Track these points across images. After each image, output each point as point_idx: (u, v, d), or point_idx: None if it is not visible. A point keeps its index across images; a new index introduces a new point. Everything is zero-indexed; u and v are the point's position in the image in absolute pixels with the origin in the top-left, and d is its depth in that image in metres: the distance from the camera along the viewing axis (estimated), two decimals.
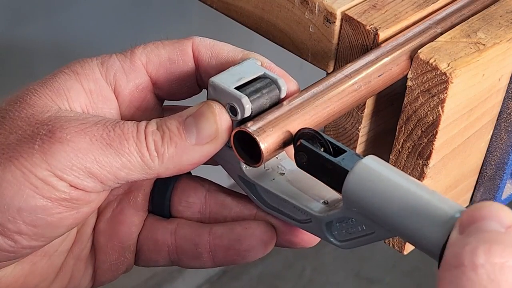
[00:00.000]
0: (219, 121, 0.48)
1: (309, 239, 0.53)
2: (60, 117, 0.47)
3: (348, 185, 0.44)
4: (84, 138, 0.46)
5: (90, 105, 0.50)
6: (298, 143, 0.47)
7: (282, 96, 0.50)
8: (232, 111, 0.48)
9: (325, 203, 0.49)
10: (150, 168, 0.48)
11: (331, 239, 0.49)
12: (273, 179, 0.51)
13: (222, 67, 0.51)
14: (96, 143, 0.46)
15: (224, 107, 0.48)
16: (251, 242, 0.54)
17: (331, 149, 0.47)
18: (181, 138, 0.48)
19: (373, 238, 0.46)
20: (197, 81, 0.53)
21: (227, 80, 0.48)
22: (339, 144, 0.47)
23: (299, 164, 0.48)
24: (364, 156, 0.45)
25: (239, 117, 0.48)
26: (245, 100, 0.47)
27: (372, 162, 0.44)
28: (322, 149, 0.47)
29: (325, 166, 0.46)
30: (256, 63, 0.50)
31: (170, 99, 0.54)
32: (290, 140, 0.48)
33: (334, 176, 0.46)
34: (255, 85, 0.49)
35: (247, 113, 0.48)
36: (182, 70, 0.52)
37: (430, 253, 0.42)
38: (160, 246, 0.56)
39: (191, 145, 0.48)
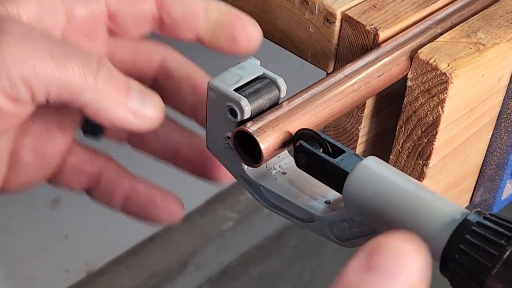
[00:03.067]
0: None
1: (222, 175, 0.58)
2: (7, 20, 0.47)
3: (348, 187, 0.44)
4: (28, 44, 0.46)
5: (37, 17, 0.49)
6: (297, 144, 0.47)
7: (282, 96, 0.50)
8: (232, 113, 0.48)
9: (327, 202, 0.49)
10: (85, 91, 0.48)
11: (334, 239, 0.49)
12: (275, 179, 0.51)
13: (186, 12, 0.51)
14: (39, 51, 0.46)
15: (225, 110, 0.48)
16: (160, 213, 0.58)
17: (330, 150, 0.47)
18: (121, 85, 0.48)
19: None
20: (157, 24, 0.53)
21: (226, 82, 0.48)
22: (338, 144, 0.47)
23: (298, 165, 0.48)
24: (364, 156, 0.45)
25: (238, 119, 0.48)
26: (244, 102, 0.48)
27: (372, 163, 0.44)
28: (321, 150, 0.47)
29: (325, 167, 0.46)
30: (255, 63, 0.50)
31: (122, 35, 0.53)
32: (290, 140, 0.48)
33: (334, 177, 0.46)
34: (255, 85, 0.49)
35: (247, 115, 0.48)
36: (141, 8, 0.52)
37: (431, 255, 0.42)
38: (82, 174, 0.58)
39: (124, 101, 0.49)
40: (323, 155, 0.46)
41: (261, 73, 0.50)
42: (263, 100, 0.49)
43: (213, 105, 0.50)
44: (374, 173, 0.44)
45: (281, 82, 0.49)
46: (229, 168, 0.52)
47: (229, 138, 0.49)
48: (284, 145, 0.48)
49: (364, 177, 0.44)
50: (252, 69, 0.50)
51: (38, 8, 0.49)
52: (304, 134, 0.47)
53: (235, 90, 0.48)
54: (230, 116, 0.48)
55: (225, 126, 0.49)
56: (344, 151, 0.46)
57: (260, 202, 0.52)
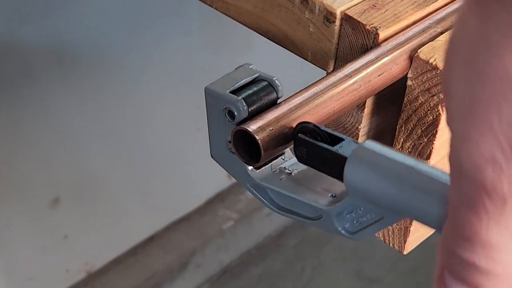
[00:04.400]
0: None
1: None
2: None
3: (348, 171, 0.44)
4: None
5: None
6: (296, 137, 0.47)
7: (279, 95, 0.50)
8: (230, 115, 0.48)
9: (332, 196, 0.49)
10: None
11: (343, 232, 0.49)
12: (281, 179, 0.51)
13: None
14: None
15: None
16: None
17: (329, 139, 0.47)
18: None
19: (383, 224, 0.46)
20: None
21: (222, 86, 0.49)
22: (336, 133, 0.46)
23: (299, 159, 0.48)
24: None
25: (236, 119, 0.48)
26: (241, 102, 0.48)
27: (370, 145, 0.44)
28: (319, 140, 0.47)
29: (324, 156, 0.46)
30: (250, 67, 0.51)
31: None
32: (290, 137, 0.48)
33: (334, 165, 0.46)
34: (251, 88, 0.49)
35: (244, 115, 0.48)
36: None
37: (439, 229, 0.41)
38: None
39: None
40: (322, 144, 0.46)
41: (257, 75, 0.50)
42: (260, 101, 0.49)
43: (212, 111, 0.50)
44: (373, 153, 0.43)
45: (277, 82, 0.50)
46: (235, 176, 0.52)
47: (230, 142, 0.49)
48: (284, 142, 0.48)
49: (363, 158, 0.43)
50: (247, 73, 0.50)
51: None
52: (303, 127, 0.47)
53: (232, 93, 0.49)
54: (228, 118, 0.48)
55: (226, 130, 0.49)
56: (343, 139, 0.46)
57: (268, 206, 0.52)
